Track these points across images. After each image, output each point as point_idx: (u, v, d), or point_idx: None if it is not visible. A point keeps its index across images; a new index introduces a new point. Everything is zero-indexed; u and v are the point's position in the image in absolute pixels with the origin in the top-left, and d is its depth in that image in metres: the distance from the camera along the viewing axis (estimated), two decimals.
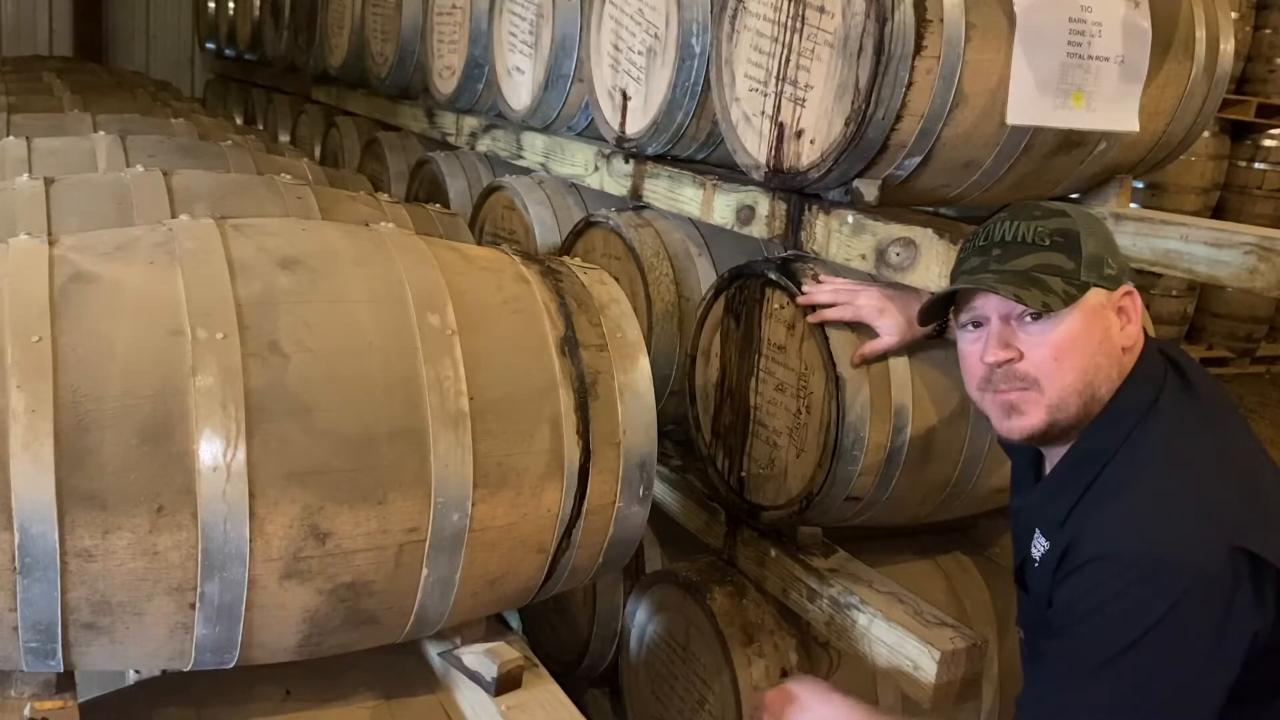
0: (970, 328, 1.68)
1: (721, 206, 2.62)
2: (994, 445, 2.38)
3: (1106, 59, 2.19)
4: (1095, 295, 1.58)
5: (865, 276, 2.29)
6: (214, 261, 1.67)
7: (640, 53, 2.87)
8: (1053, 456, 1.68)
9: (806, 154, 2.27)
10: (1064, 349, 1.57)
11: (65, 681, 1.69)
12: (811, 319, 2.27)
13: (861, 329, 2.26)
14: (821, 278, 2.32)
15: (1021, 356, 1.59)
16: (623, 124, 2.97)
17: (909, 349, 2.27)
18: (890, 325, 2.21)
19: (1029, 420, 1.60)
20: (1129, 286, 1.62)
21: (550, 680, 1.94)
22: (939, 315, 1.84)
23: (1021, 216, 1.64)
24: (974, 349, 1.66)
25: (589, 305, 1.93)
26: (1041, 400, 1.59)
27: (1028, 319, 1.59)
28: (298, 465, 1.59)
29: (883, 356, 2.25)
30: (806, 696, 1.74)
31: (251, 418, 1.56)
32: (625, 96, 2.95)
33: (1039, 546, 1.63)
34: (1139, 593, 1.40)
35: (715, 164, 2.88)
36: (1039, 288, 1.56)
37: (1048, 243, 1.59)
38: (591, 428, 1.83)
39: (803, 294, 2.29)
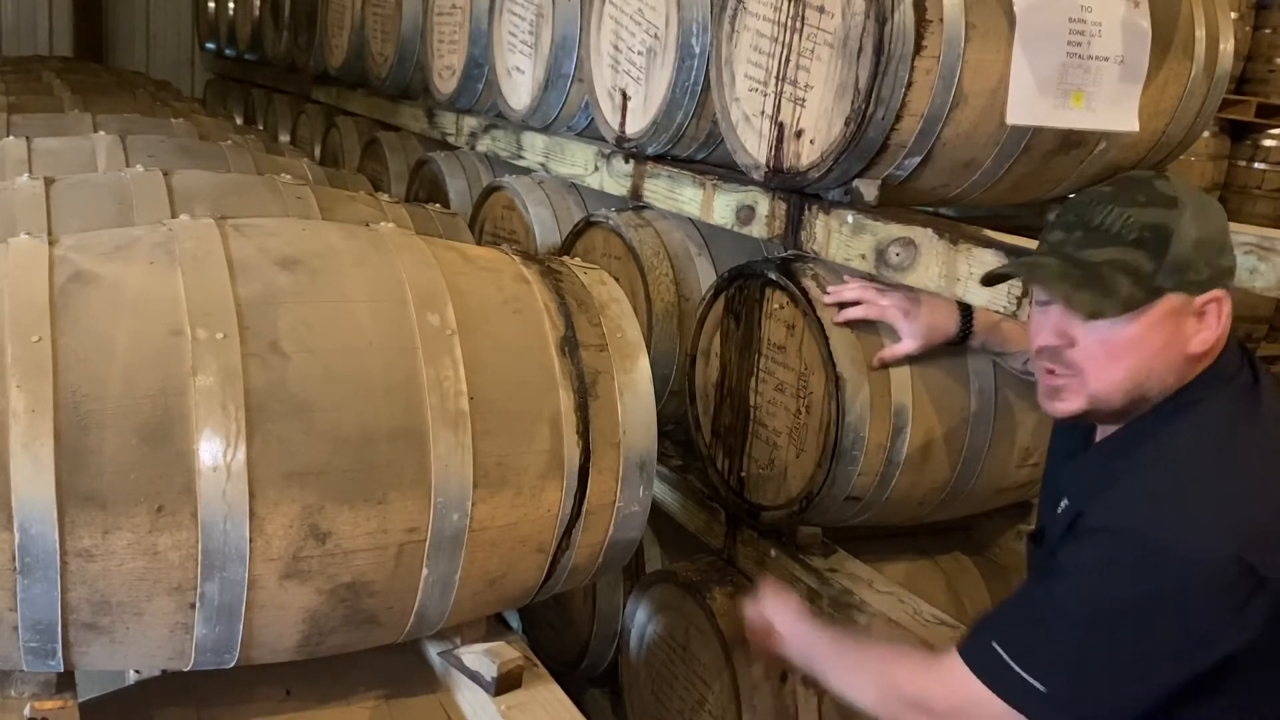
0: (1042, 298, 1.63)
1: (721, 206, 2.62)
2: (994, 445, 2.38)
3: (1106, 59, 2.19)
4: (1171, 300, 1.49)
5: (865, 277, 2.29)
6: (214, 261, 1.67)
7: (640, 53, 2.87)
8: (1103, 430, 1.64)
9: (806, 154, 2.27)
10: (1117, 350, 1.51)
11: (65, 681, 1.69)
12: (837, 318, 2.26)
13: (862, 330, 2.26)
14: (846, 278, 2.31)
15: (1074, 344, 1.54)
16: (623, 124, 2.96)
17: None
18: (914, 329, 2.22)
19: (1068, 405, 1.57)
20: (1218, 292, 1.49)
21: (550, 680, 1.94)
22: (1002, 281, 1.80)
23: (1120, 201, 1.52)
24: (1038, 320, 1.61)
25: (589, 305, 1.93)
26: (1083, 390, 1.55)
27: None
28: (298, 465, 1.59)
29: (902, 361, 2.25)
30: (778, 621, 1.85)
31: (251, 418, 1.56)
32: (625, 96, 2.95)
33: (1062, 507, 1.62)
34: (1128, 568, 1.41)
35: (715, 164, 2.88)
36: (1099, 289, 1.48)
37: (1133, 237, 1.49)
38: (591, 428, 1.83)
39: (829, 292, 2.29)
